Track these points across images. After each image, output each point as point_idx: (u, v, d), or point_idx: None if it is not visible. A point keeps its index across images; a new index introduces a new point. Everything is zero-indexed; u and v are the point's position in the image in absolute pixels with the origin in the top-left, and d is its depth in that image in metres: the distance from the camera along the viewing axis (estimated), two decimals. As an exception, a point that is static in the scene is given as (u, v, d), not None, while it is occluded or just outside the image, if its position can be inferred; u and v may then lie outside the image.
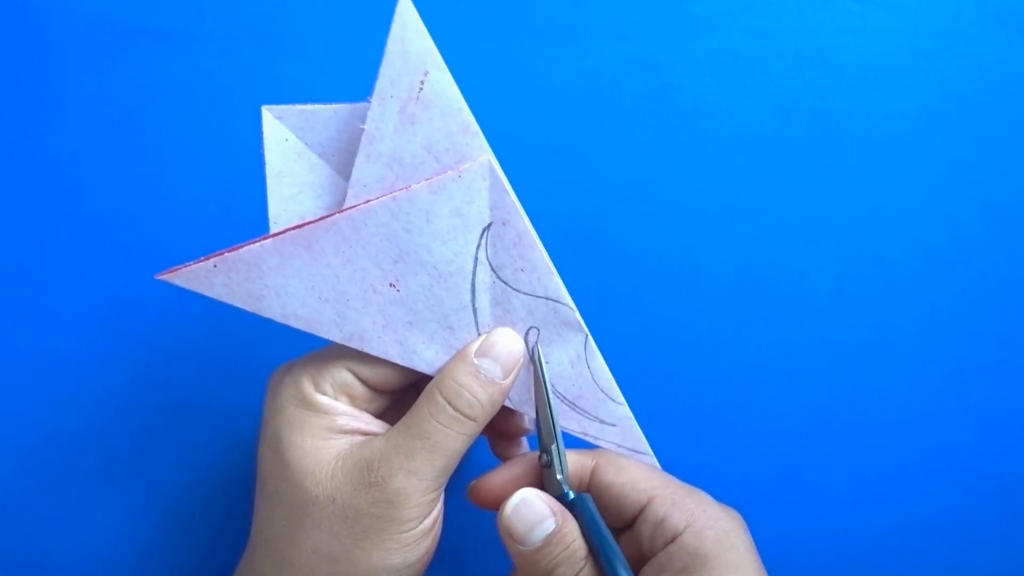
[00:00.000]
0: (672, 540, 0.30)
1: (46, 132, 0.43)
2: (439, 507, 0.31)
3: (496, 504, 0.31)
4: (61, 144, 0.42)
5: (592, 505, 0.30)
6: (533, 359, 0.32)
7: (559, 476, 0.31)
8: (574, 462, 0.32)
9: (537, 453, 0.32)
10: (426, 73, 0.29)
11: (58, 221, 0.42)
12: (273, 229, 0.31)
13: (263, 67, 0.43)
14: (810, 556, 0.41)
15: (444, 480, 0.30)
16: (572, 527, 0.29)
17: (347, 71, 0.43)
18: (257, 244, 0.29)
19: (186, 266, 0.29)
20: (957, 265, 0.42)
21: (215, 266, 0.29)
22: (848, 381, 0.41)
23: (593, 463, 0.32)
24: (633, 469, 0.32)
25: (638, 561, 0.31)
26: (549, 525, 0.29)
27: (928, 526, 0.41)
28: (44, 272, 0.42)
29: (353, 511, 0.29)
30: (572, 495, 0.31)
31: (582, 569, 0.29)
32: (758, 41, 0.43)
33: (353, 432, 0.31)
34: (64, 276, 0.42)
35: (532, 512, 0.29)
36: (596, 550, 0.29)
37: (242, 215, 0.41)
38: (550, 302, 0.31)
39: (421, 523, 0.30)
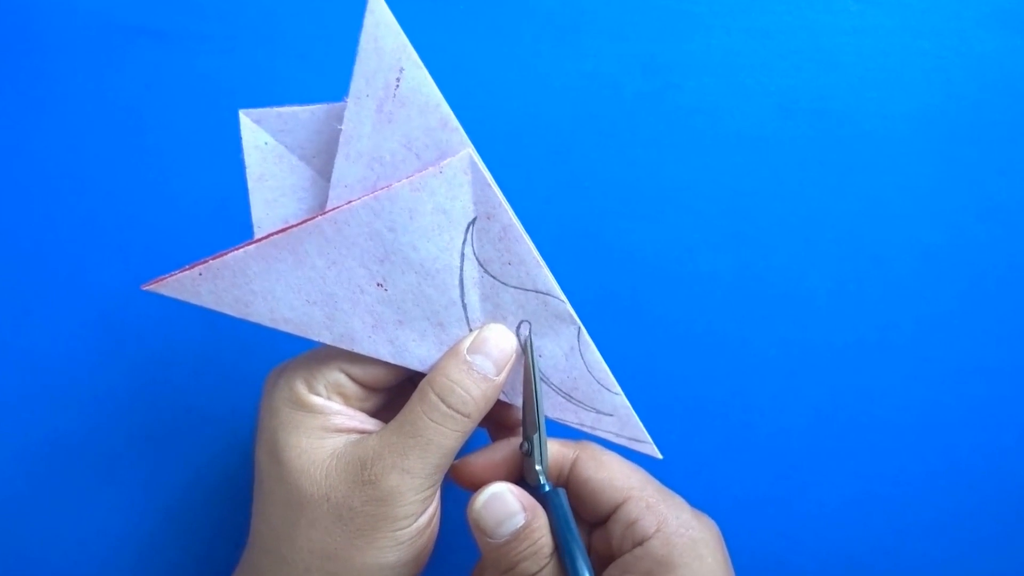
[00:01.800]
0: (640, 543, 0.30)
1: (46, 132, 0.43)
2: (435, 505, 0.31)
3: (477, 486, 0.31)
4: (61, 144, 0.42)
5: (565, 500, 0.30)
6: (525, 350, 0.31)
7: (538, 467, 0.31)
8: (556, 453, 0.32)
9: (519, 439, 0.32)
10: (401, 70, 0.29)
11: (58, 221, 0.42)
12: (257, 234, 0.31)
13: (263, 67, 0.43)
14: (810, 556, 0.41)
15: (439, 478, 0.30)
16: (541, 523, 0.29)
17: (348, 70, 0.43)
18: (241, 250, 0.29)
19: (172, 275, 0.29)
20: (957, 265, 0.42)
21: (200, 274, 0.29)
22: (848, 381, 0.41)
23: (575, 456, 0.32)
24: (614, 467, 0.31)
25: (608, 559, 0.31)
26: (518, 520, 0.29)
27: (928, 526, 0.41)
28: (44, 272, 0.42)
29: (347, 509, 0.29)
30: (548, 487, 0.31)
31: (546, 566, 0.29)
32: (758, 41, 0.43)
33: (348, 431, 0.31)
34: (63, 276, 0.42)
35: (502, 506, 0.29)
36: (562, 547, 0.29)
37: (242, 214, 0.41)
38: (540, 295, 0.31)
39: (416, 521, 0.30)
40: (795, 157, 0.42)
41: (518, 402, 0.32)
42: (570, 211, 0.42)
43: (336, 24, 0.43)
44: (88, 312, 0.41)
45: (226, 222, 0.41)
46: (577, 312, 0.32)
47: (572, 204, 0.42)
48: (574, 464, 0.32)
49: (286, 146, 0.31)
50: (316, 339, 0.30)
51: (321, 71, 0.43)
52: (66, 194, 0.42)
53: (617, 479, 0.31)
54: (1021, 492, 0.41)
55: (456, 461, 0.33)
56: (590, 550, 0.33)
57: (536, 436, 0.31)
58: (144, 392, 0.41)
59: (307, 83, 0.43)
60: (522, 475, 0.32)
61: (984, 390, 0.41)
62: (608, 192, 0.42)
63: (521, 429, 0.35)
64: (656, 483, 0.32)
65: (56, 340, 0.41)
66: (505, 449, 0.33)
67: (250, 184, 0.31)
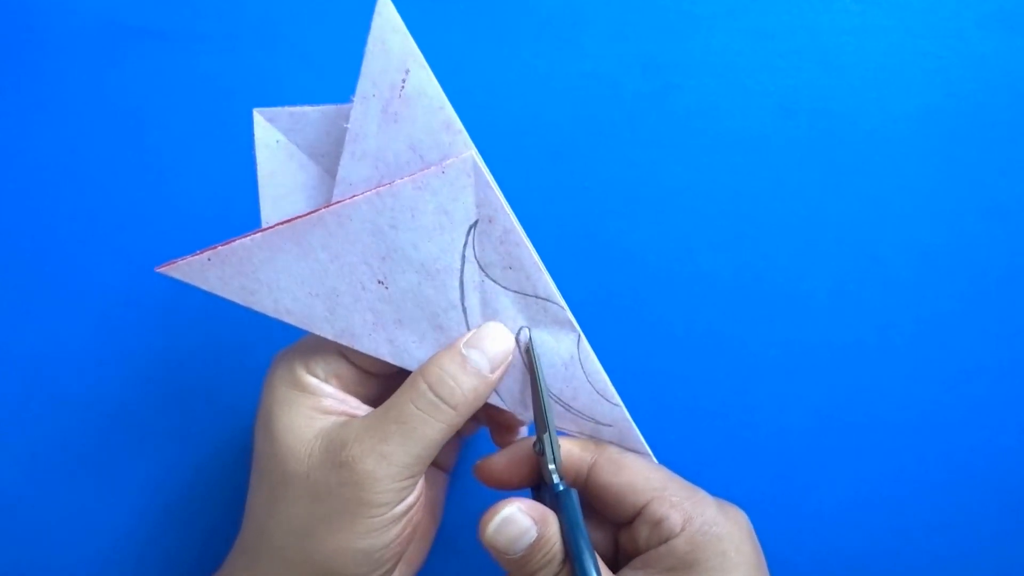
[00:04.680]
0: (666, 541, 0.30)
1: (46, 132, 0.43)
2: (414, 497, 0.30)
3: (500, 484, 0.32)
4: (61, 143, 0.43)
5: (576, 502, 0.30)
6: (527, 352, 0.31)
7: (551, 465, 0.31)
8: (574, 457, 0.32)
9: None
10: (407, 72, 0.29)
11: (58, 220, 0.42)
12: None
13: (263, 67, 0.43)
14: (810, 556, 0.41)
15: (419, 469, 0.30)
16: (552, 532, 0.29)
17: (348, 70, 0.43)
18: (247, 238, 0.30)
19: (183, 259, 0.30)
20: (957, 265, 0.42)
21: (209, 259, 0.30)
22: (848, 381, 0.41)
23: (592, 460, 0.32)
24: (634, 469, 0.31)
25: (634, 557, 0.31)
26: (531, 535, 0.29)
27: (928, 526, 0.41)
28: (43, 272, 0.42)
29: (324, 488, 0.29)
30: (561, 487, 0.30)
31: (560, 572, 0.29)
32: (758, 41, 0.43)
33: (338, 413, 0.31)
34: (63, 274, 0.42)
35: (514, 528, 0.29)
36: (571, 548, 0.29)
37: (242, 214, 0.41)
38: (540, 300, 0.31)
39: (390, 510, 0.29)
40: (795, 157, 0.42)
41: (516, 408, 0.32)
42: (570, 211, 0.42)
43: (336, 24, 0.43)
44: (88, 312, 0.41)
45: (227, 222, 0.41)
46: (576, 313, 0.32)
47: (572, 204, 0.42)
48: (592, 469, 0.32)
49: (296, 144, 0.31)
50: (318, 332, 0.31)
51: (322, 71, 0.43)
52: (66, 194, 0.42)
53: (638, 482, 0.31)
54: (1021, 492, 0.41)
55: (479, 461, 0.33)
56: (617, 549, 0.33)
57: (546, 436, 0.31)
58: (143, 388, 0.41)
59: (308, 83, 0.43)
60: (539, 473, 0.32)
61: (984, 390, 0.41)
62: (608, 192, 0.42)
63: (519, 430, 0.36)
64: (679, 480, 0.32)
65: (55, 337, 0.41)
66: (524, 448, 0.33)
67: (260, 181, 0.31)
